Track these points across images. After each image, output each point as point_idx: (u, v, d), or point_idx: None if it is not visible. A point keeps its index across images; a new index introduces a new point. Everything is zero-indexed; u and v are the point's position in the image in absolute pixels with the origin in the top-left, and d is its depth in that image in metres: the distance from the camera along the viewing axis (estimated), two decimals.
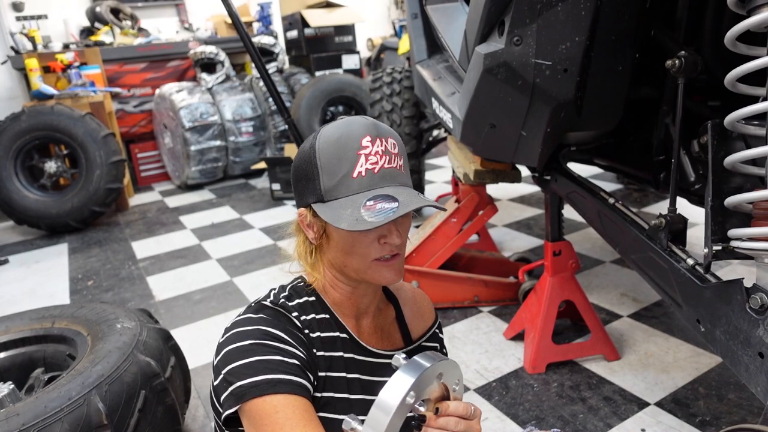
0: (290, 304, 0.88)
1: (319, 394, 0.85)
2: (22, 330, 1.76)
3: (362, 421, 0.70)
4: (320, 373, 0.86)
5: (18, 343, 1.75)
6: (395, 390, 0.69)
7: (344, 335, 0.91)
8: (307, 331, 0.86)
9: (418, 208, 0.82)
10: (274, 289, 0.94)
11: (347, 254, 0.84)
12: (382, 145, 0.81)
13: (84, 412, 1.32)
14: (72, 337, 1.69)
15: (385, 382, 0.93)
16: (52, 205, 4.18)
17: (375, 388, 0.92)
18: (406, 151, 0.88)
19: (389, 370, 0.94)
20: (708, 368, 1.98)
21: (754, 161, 1.08)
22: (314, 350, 0.86)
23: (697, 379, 1.93)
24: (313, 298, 0.91)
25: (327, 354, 0.88)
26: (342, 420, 0.86)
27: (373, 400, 0.90)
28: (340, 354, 0.89)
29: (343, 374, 0.88)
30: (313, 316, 0.89)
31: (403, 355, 0.76)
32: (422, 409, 0.71)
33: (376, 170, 0.80)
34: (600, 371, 2.03)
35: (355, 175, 0.80)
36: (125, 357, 1.49)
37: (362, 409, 0.86)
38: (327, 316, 0.91)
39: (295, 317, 0.86)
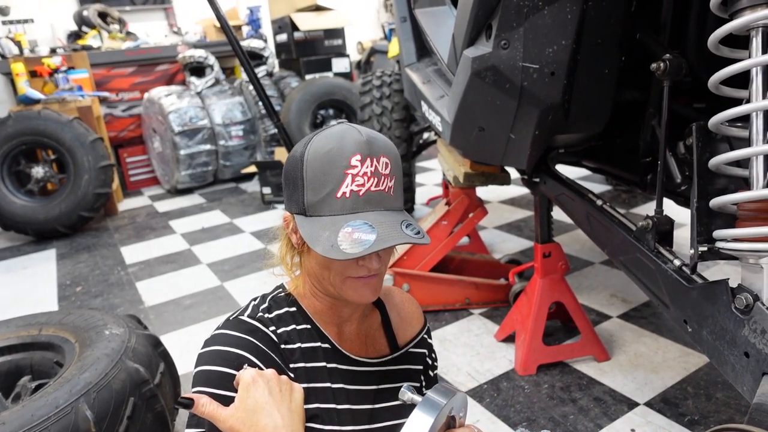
0: (268, 316, 0.87)
1: (304, 406, 0.84)
2: (9, 337, 1.74)
3: None
4: (301, 386, 0.85)
5: (4, 351, 1.72)
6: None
7: (326, 345, 0.90)
8: (283, 345, 0.85)
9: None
10: (255, 299, 0.92)
11: (324, 268, 0.83)
12: (371, 166, 0.78)
13: (71, 420, 1.31)
14: (59, 344, 1.67)
15: (370, 391, 0.92)
16: (40, 210, 4.14)
17: (360, 398, 0.90)
18: (401, 167, 0.86)
19: (374, 379, 0.93)
20: (696, 368, 1.99)
21: (738, 163, 1.10)
22: (291, 364, 0.85)
23: (685, 379, 1.94)
24: (293, 309, 0.90)
25: (308, 365, 0.87)
26: (331, 430, 0.86)
27: (359, 410, 0.89)
28: (323, 364, 0.88)
29: (327, 384, 0.87)
30: (293, 327, 0.88)
31: (410, 388, 0.75)
32: None
33: (361, 192, 0.77)
34: (590, 372, 2.04)
35: (339, 195, 0.77)
36: (114, 364, 1.48)
37: (349, 419, 0.85)
38: (308, 326, 0.89)
39: (272, 331, 0.85)
